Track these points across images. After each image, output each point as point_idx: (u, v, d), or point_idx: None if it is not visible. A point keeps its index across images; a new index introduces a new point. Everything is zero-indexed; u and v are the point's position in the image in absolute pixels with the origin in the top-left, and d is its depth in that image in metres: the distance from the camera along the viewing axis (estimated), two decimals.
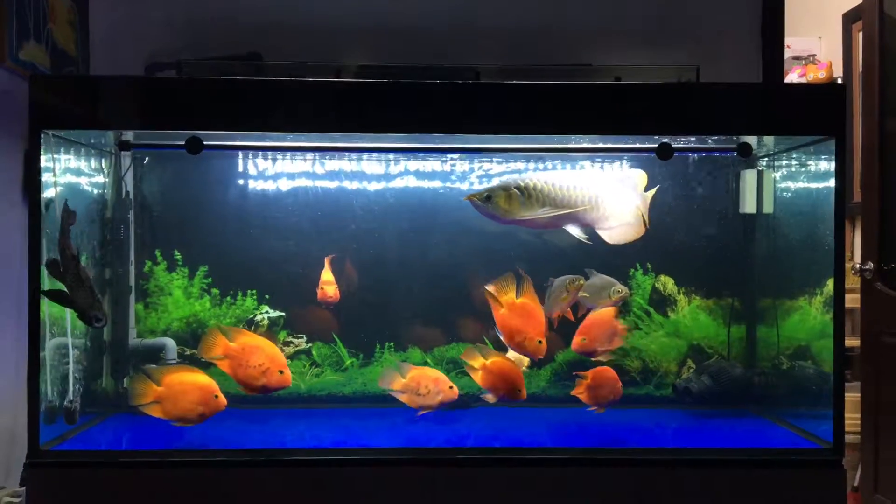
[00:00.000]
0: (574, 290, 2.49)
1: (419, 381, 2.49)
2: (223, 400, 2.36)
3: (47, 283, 2.23)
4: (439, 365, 2.85)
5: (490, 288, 2.43)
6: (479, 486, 2.27)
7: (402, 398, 2.50)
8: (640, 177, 2.54)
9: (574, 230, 2.44)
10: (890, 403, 3.37)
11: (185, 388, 2.35)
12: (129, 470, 2.26)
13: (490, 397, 2.45)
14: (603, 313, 2.59)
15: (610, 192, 2.47)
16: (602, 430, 2.54)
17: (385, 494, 2.26)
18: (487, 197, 2.38)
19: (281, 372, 2.34)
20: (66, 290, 2.19)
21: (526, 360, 2.65)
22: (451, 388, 2.49)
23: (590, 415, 2.50)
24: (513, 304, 2.41)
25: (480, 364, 2.46)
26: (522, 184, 2.39)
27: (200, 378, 2.37)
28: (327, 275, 2.70)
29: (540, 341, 2.37)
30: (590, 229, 2.46)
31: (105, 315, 2.24)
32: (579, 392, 2.52)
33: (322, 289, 2.69)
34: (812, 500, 2.27)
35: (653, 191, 2.53)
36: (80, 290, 2.19)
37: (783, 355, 2.72)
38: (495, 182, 2.61)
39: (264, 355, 2.33)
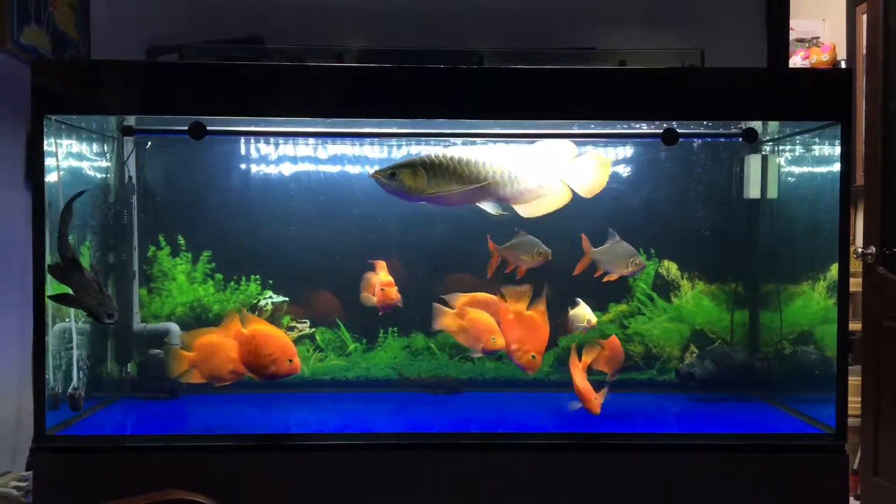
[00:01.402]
0: (537, 260, 2.49)
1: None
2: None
3: (53, 287, 2.24)
4: (442, 350, 2.86)
5: (505, 290, 2.43)
6: (482, 470, 2.29)
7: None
8: (564, 147, 2.48)
9: (487, 205, 2.40)
10: (890, 387, 3.38)
11: (214, 348, 2.38)
12: (135, 454, 2.27)
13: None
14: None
15: (524, 165, 2.43)
16: (605, 414, 2.55)
17: (388, 478, 2.28)
18: (392, 174, 2.34)
19: (290, 361, 2.35)
20: (71, 291, 2.20)
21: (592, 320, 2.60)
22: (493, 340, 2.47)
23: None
24: (522, 313, 2.41)
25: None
26: (428, 160, 2.35)
27: (228, 342, 2.40)
28: (386, 276, 2.61)
29: (534, 356, 2.36)
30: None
31: (116, 310, 2.24)
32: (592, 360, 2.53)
33: (383, 290, 2.59)
34: (814, 485, 2.29)
35: (582, 157, 2.48)
36: (86, 290, 2.19)
37: (786, 340, 2.73)
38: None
39: (275, 344, 2.34)
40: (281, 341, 2.36)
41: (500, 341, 2.44)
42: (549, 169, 2.45)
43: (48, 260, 2.23)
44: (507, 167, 2.40)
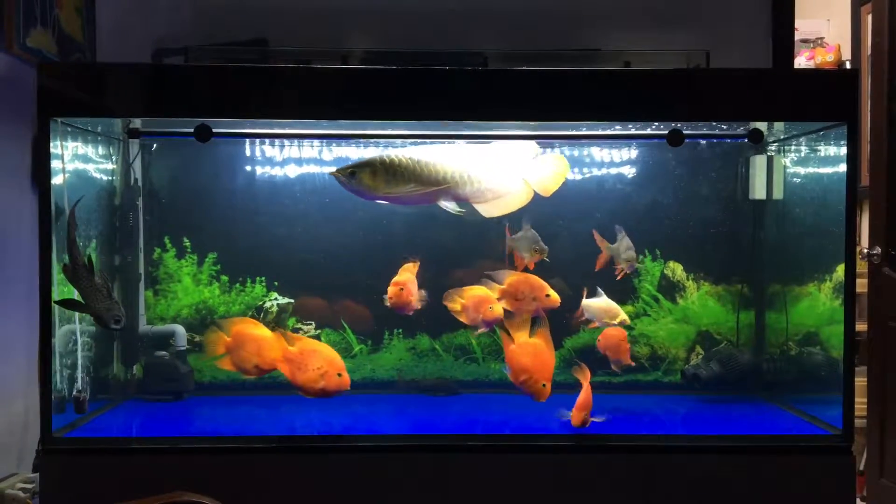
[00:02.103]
0: (535, 257, 2.50)
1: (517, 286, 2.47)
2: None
3: (60, 290, 2.25)
4: (447, 352, 2.86)
5: (506, 323, 2.41)
6: (487, 472, 2.29)
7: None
8: (524, 146, 2.49)
9: (447, 205, 2.40)
10: None
11: (251, 340, 2.37)
12: (141, 456, 2.27)
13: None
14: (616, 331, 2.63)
15: (484, 165, 2.43)
16: (610, 415, 2.54)
17: (393, 480, 2.28)
18: (352, 173, 2.34)
19: (339, 375, 2.32)
20: (80, 296, 2.20)
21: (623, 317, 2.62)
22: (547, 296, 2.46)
23: (597, 401, 2.50)
24: (525, 342, 2.37)
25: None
26: (388, 160, 2.35)
27: (265, 332, 2.40)
28: (404, 275, 2.52)
29: (544, 384, 2.32)
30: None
31: (123, 315, 2.24)
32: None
33: (401, 290, 2.50)
34: (821, 486, 2.28)
35: (541, 157, 2.49)
36: (95, 295, 2.20)
37: (792, 341, 2.72)
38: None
39: (323, 359, 2.32)
40: (328, 355, 2.33)
41: (497, 309, 2.43)
42: (509, 168, 2.46)
43: (56, 263, 2.24)
44: (467, 167, 2.41)
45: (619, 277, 2.61)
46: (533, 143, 2.49)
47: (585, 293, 2.63)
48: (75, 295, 2.21)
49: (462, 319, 2.51)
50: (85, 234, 2.49)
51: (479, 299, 2.48)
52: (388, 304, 2.49)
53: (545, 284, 2.48)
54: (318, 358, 2.31)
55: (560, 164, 2.52)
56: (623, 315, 2.61)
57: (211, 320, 2.72)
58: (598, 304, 2.62)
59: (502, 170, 2.45)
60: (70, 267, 2.19)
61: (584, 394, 2.35)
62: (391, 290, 2.48)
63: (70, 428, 2.37)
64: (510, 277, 2.51)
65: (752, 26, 3.01)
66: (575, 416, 2.31)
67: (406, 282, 2.50)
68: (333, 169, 2.40)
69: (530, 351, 2.35)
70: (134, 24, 2.94)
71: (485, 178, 2.42)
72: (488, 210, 2.44)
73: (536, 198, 2.81)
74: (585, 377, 2.38)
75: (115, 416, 2.58)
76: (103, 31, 2.95)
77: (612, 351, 2.61)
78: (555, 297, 2.47)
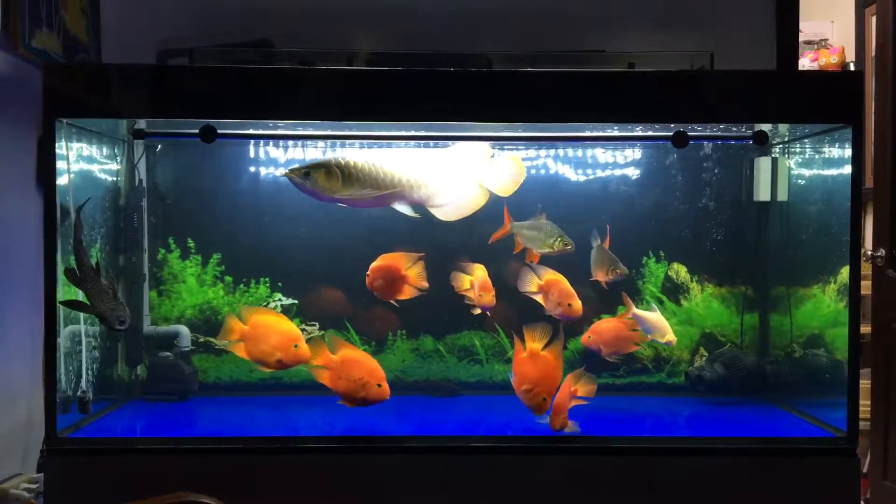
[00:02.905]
0: (559, 250, 2.49)
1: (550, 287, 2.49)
2: (305, 350, 2.35)
3: (65, 290, 2.25)
4: (451, 353, 2.86)
5: (525, 329, 2.36)
6: (490, 473, 2.28)
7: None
8: (480, 148, 2.49)
9: (402, 208, 2.41)
10: None
11: (268, 330, 2.36)
12: (145, 456, 2.28)
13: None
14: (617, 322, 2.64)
15: (440, 169, 2.43)
16: (614, 417, 2.55)
17: (396, 481, 2.28)
18: (306, 174, 2.34)
19: (379, 385, 2.29)
20: (85, 297, 2.21)
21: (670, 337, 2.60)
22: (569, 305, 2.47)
23: (601, 402, 2.50)
24: (537, 353, 2.32)
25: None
26: (343, 161, 2.35)
27: (284, 324, 2.39)
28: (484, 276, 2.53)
29: (545, 399, 2.27)
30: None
31: (128, 316, 2.24)
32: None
33: (481, 296, 2.51)
34: (826, 489, 2.28)
35: (497, 158, 2.49)
36: (101, 296, 2.20)
37: (796, 343, 2.72)
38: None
39: (364, 368, 2.30)
40: (369, 365, 2.31)
41: (577, 305, 2.45)
42: (464, 171, 2.46)
43: (61, 264, 2.24)
44: (422, 170, 2.41)
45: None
46: (486, 144, 2.50)
47: (630, 303, 2.64)
48: (80, 296, 2.22)
49: (542, 302, 2.51)
50: (89, 235, 2.49)
51: (558, 288, 2.48)
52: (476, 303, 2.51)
53: (573, 293, 2.48)
54: (359, 368, 2.29)
55: (516, 166, 2.51)
56: (671, 335, 2.59)
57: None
58: (653, 318, 2.62)
59: (457, 173, 2.46)
60: (74, 269, 2.20)
61: (560, 395, 2.30)
62: (480, 297, 2.51)
63: (74, 428, 2.37)
64: (548, 275, 2.51)
65: (757, 28, 3.00)
66: (552, 419, 2.27)
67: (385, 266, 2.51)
68: (289, 169, 2.39)
69: (539, 363, 2.29)
70: (139, 25, 2.94)
71: (440, 182, 2.43)
72: (445, 213, 2.45)
73: (545, 199, 2.83)
74: (566, 385, 2.33)
75: (119, 417, 2.58)
76: (108, 33, 2.95)
77: (607, 344, 2.61)
78: (577, 306, 2.46)
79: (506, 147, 2.66)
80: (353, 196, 2.36)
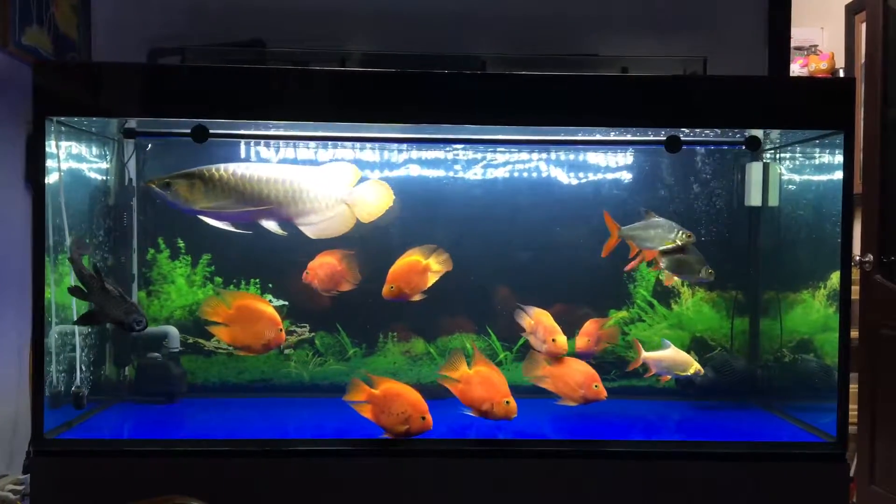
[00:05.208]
0: (684, 241, 2.49)
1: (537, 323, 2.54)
2: (283, 336, 2.42)
3: (52, 289, 2.24)
4: (441, 356, 2.85)
5: (441, 372, 2.40)
6: (481, 477, 2.28)
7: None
8: (347, 170, 2.52)
9: (269, 224, 2.42)
10: (887, 396, 3.39)
11: (252, 315, 2.38)
12: (133, 458, 2.26)
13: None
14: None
15: (310, 186, 2.44)
16: (604, 421, 2.55)
17: (386, 484, 2.27)
18: (167, 184, 2.34)
19: (423, 418, 2.27)
20: (96, 309, 2.22)
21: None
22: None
23: (592, 406, 2.50)
24: (468, 375, 2.36)
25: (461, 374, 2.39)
26: (207, 173, 2.35)
27: (268, 308, 2.41)
28: (552, 323, 2.54)
29: (508, 401, 2.30)
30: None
31: (144, 316, 2.25)
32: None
33: (554, 341, 2.50)
34: (815, 494, 2.29)
35: (364, 182, 2.52)
36: (111, 303, 2.19)
37: (786, 348, 2.73)
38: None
39: (406, 402, 2.28)
40: (412, 398, 2.29)
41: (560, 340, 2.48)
42: (333, 191, 2.48)
43: (48, 262, 2.22)
44: (292, 187, 2.42)
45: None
46: (353, 168, 2.53)
47: (640, 348, 2.65)
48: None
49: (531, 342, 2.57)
50: (79, 234, 2.47)
51: (542, 326, 2.53)
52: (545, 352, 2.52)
53: (557, 329, 2.50)
54: (401, 402, 2.27)
55: (383, 191, 2.54)
56: (696, 365, 2.61)
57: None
58: (668, 355, 2.63)
59: (327, 193, 2.47)
60: (79, 287, 2.19)
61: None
62: (553, 342, 2.51)
63: (63, 429, 2.35)
64: (535, 313, 2.55)
65: (749, 33, 3.01)
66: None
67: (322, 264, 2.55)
68: (149, 179, 2.40)
69: (478, 381, 2.34)
70: (130, 23, 2.91)
71: (311, 200, 2.44)
72: (314, 231, 2.47)
73: (537, 201, 2.83)
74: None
75: (107, 419, 2.56)
76: (99, 30, 2.93)
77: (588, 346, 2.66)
78: (561, 343, 2.49)
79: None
80: (217, 209, 2.36)
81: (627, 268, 2.66)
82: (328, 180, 2.49)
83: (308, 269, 2.58)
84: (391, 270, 2.50)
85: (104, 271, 2.68)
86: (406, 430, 2.26)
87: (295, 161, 2.77)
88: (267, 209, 2.40)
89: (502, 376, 2.37)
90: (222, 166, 2.40)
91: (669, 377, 2.67)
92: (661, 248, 2.51)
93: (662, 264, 2.53)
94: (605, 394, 2.46)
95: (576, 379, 2.47)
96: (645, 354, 2.64)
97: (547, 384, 2.50)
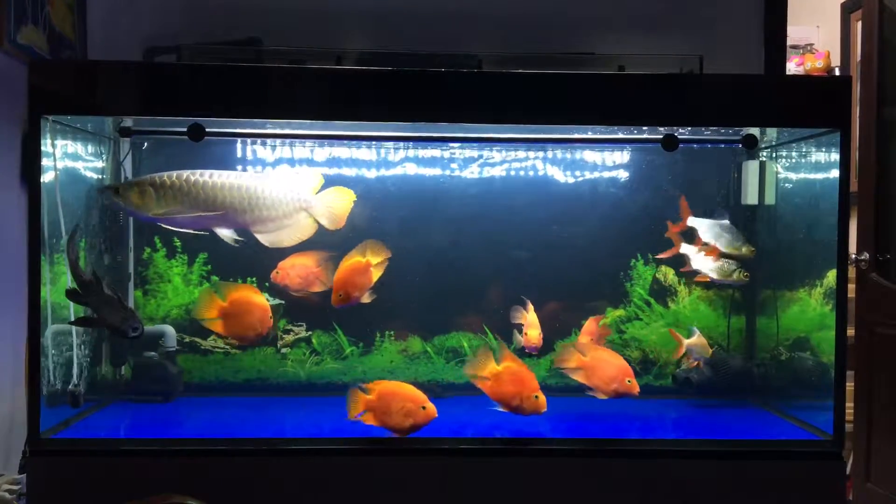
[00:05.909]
0: (744, 255, 2.57)
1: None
2: (270, 322, 2.47)
3: (49, 289, 2.24)
4: (439, 354, 2.85)
5: (468, 370, 2.41)
6: (479, 476, 2.28)
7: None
8: (310, 176, 2.50)
9: (224, 232, 2.41)
10: (883, 394, 3.40)
11: (247, 307, 2.40)
12: (129, 458, 2.25)
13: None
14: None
15: (267, 193, 2.43)
16: (602, 420, 2.55)
17: (384, 483, 2.27)
18: (116, 191, 2.35)
19: (423, 408, 2.27)
20: (93, 314, 2.22)
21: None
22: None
23: (589, 405, 2.51)
24: (497, 372, 2.37)
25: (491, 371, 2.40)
26: (159, 180, 2.35)
27: (260, 298, 2.44)
28: (532, 318, 2.64)
29: (537, 396, 2.32)
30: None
31: (140, 323, 2.24)
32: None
33: (526, 334, 2.63)
34: (811, 492, 2.29)
35: (326, 189, 2.51)
36: (108, 308, 2.19)
37: (783, 346, 2.73)
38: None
39: (403, 397, 2.28)
40: (407, 392, 2.30)
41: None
42: (293, 198, 2.46)
43: (44, 262, 2.21)
44: (248, 193, 2.40)
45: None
46: (317, 173, 2.52)
47: (679, 336, 2.72)
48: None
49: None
50: (72, 228, 2.46)
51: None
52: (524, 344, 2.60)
53: (535, 324, 2.61)
54: (398, 398, 2.28)
55: (344, 198, 2.52)
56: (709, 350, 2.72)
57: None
58: (702, 341, 2.69)
59: (285, 200, 2.45)
60: (76, 289, 2.19)
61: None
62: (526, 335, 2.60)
63: (58, 428, 2.34)
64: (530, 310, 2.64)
65: (746, 31, 3.02)
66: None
67: (295, 265, 2.54)
68: (102, 185, 2.41)
69: (507, 377, 2.36)
70: (125, 21, 2.91)
71: (268, 208, 2.42)
72: (269, 240, 2.45)
73: (533, 200, 2.83)
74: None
75: (104, 418, 2.55)
76: (94, 29, 2.93)
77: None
78: (531, 336, 2.61)
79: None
80: (170, 215, 2.35)
81: (660, 255, 2.75)
82: (288, 187, 2.46)
83: (278, 269, 2.55)
84: (335, 279, 2.47)
85: (100, 270, 2.68)
86: (412, 425, 2.27)
87: (291, 160, 2.77)
88: (220, 215, 2.38)
89: (530, 372, 2.38)
90: (174, 173, 2.38)
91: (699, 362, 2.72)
92: (726, 250, 2.62)
93: (708, 266, 2.63)
94: (637, 389, 2.45)
95: (609, 373, 2.46)
96: (687, 341, 2.68)
97: (579, 376, 2.50)
